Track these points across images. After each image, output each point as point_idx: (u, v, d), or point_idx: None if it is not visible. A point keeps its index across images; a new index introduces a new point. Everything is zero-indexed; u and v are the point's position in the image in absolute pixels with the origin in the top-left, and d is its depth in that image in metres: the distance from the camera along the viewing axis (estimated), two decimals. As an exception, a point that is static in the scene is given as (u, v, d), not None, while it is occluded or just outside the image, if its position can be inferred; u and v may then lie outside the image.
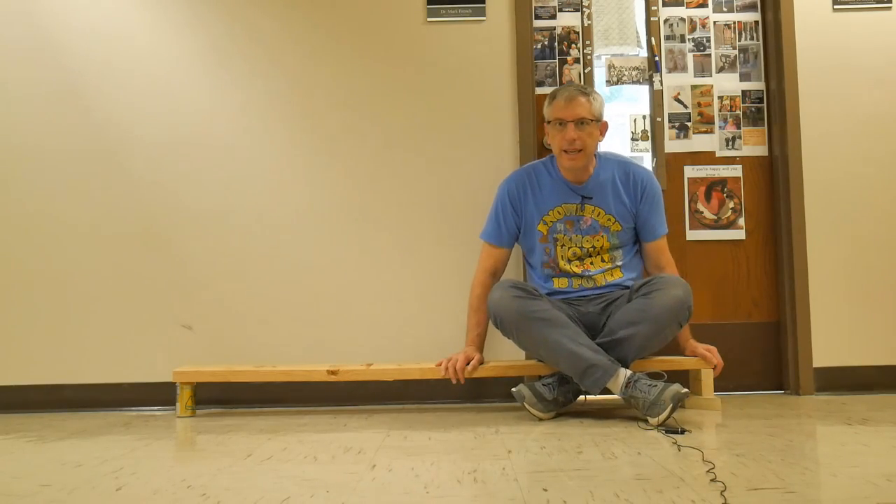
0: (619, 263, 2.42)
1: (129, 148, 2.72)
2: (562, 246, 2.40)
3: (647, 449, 1.74)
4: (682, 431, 1.93)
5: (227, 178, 2.73)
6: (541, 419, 2.20)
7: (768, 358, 2.79)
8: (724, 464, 1.56)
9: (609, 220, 2.39)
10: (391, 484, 1.46)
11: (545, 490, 1.38)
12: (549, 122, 2.36)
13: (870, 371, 2.70)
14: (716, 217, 2.81)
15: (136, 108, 2.73)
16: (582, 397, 2.32)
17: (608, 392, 2.18)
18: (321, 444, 1.91)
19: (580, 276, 2.40)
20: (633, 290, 2.29)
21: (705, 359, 2.38)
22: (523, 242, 2.49)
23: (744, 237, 2.81)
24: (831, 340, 2.71)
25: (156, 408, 2.65)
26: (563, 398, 2.25)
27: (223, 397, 2.65)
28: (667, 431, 1.94)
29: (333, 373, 2.43)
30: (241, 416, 2.47)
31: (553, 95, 2.37)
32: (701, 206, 2.81)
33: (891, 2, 2.78)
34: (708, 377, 2.38)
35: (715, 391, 2.40)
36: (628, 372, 2.15)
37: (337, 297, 2.71)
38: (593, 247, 2.40)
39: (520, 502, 1.30)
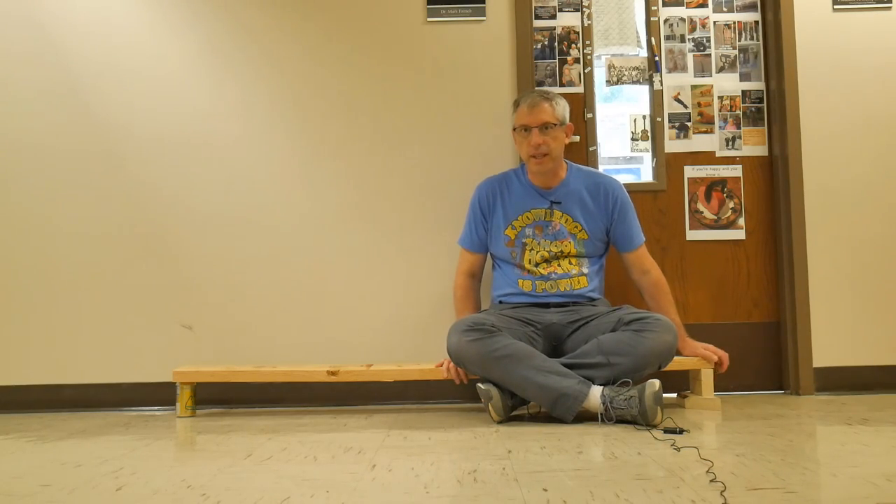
0: (585, 271, 2.42)
1: (129, 148, 2.72)
2: (530, 250, 2.42)
3: (646, 449, 1.74)
4: (681, 431, 1.93)
5: (226, 177, 2.73)
6: (498, 422, 2.18)
7: (768, 358, 2.79)
8: (723, 464, 1.56)
9: (576, 227, 2.42)
10: (391, 484, 1.46)
11: (545, 490, 1.38)
12: (514, 130, 2.43)
13: (870, 371, 2.70)
14: (716, 217, 2.81)
15: (135, 109, 2.73)
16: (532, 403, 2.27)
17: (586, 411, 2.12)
18: (321, 444, 1.91)
19: (545, 279, 2.40)
20: (620, 321, 2.26)
21: (706, 358, 2.38)
22: (491, 248, 2.51)
23: (744, 237, 2.81)
24: (831, 340, 2.71)
25: (156, 408, 2.65)
26: (511, 402, 2.22)
27: (223, 397, 2.65)
28: (665, 431, 1.93)
29: (333, 373, 2.43)
30: (241, 416, 2.47)
31: (516, 103, 2.44)
32: (701, 206, 2.81)
33: (891, 2, 2.78)
34: (708, 377, 2.38)
35: (715, 391, 2.40)
36: (598, 390, 2.10)
37: (337, 298, 2.71)
38: (561, 251, 2.41)
39: (520, 502, 1.30)
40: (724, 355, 2.39)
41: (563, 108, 2.41)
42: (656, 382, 2.05)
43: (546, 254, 2.41)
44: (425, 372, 2.41)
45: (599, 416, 2.09)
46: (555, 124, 2.37)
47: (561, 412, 2.11)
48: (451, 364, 2.33)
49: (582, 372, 2.15)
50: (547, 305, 2.39)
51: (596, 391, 2.10)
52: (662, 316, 2.29)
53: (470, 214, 2.53)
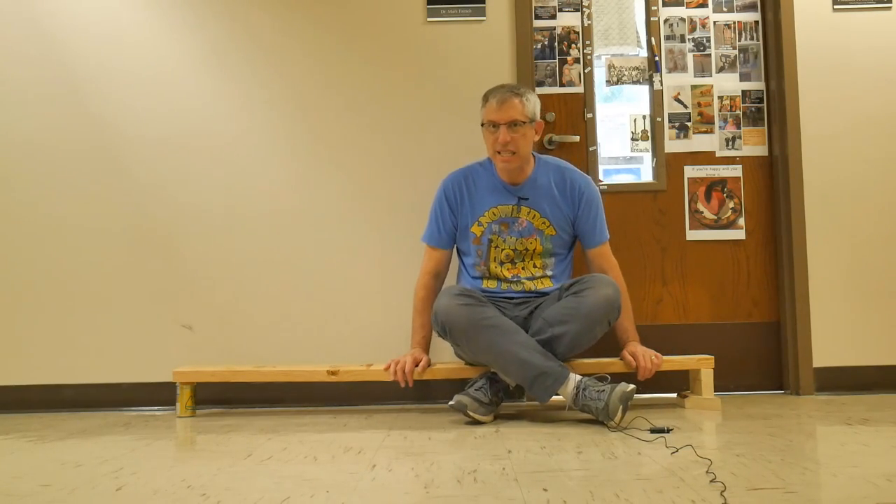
0: (549, 273, 2.40)
1: (129, 148, 2.72)
2: (495, 247, 2.39)
3: (647, 449, 1.74)
4: (668, 430, 1.93)
5: (227, 177, 2.73)
6: (484, 422, 2.17)
7: (768, 358, 2.78)
8: (723, 464, 1.56)
9: (544, 223, 2.39)
10: (391, 484, 1.46)
11: (545, 490, 1.38)
12: (482, 125, 2.36)
13: (870, 371, 2.70)
14: (716, 217, 2.81)
15: (136, 108, 2.73)
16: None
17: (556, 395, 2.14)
18: (321, 444, 1.91)
19: (509, 281, 2.39)
20: (562, 289, 2.29)
21: (626, 362, 2.32)
22: (459, 243, 2.48)
23: (744, 237, 2.80)
24: (831, 340, 2.71)
25: (156, 408, 2.65)
26: (496, 398, 2.23)
27: (223, 397, 2.65)
28: (652, 431, 1.93)
29: (333, 373, 2.43)
30: (241, 416, 2.47)
31: (486, 97, 2.36)
32: (701, 206, 2.81)
33: (891, 2, 2.78)
34: (708, 377, 2.38)
35: (715, 391, 2.40)
36: (577, 377, 2.11)
37: (337, 298, 2.71)
38: (526, 249, 2.39)
39: (520, 502, 1.30)
40: (645, 368, 2.27)
41: (533, 105, 2.33)
42: (630, 386, 2.03)
43: (511, 252, 2.39)
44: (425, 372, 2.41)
45: (571, 399, 2.09)
46: (524, 122, 2.30)
47: (538, 391, 2.11)
48: (399, 366, 2.31)
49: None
50: (511, 299, 2.37)
51: (574, 378, 2.11)
52: (601, 274, 2.31)
53: (435, 209, 2.47)
